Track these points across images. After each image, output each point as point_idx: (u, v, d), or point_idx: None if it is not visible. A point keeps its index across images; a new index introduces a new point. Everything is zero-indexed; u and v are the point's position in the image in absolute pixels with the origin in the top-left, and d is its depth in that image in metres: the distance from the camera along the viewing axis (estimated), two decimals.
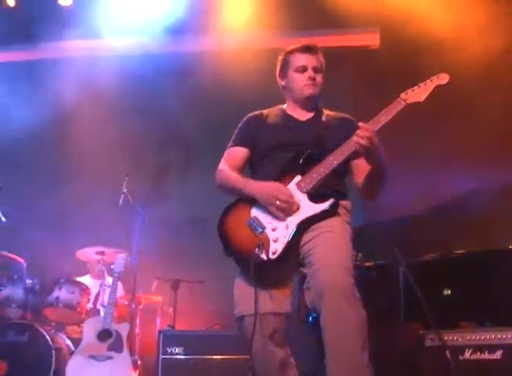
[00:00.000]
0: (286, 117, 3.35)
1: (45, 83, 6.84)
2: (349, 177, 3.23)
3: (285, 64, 3.36)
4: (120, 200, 5.69)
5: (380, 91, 5.39)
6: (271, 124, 3.33)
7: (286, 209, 2.96)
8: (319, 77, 3.29)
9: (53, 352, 5.03)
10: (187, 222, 7.11)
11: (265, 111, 3.42)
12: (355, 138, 2.86)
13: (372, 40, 6.64)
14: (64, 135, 7.03)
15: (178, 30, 6.82)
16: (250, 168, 3.38)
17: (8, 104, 6.82)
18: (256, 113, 3.43)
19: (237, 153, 3.34)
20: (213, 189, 6.31)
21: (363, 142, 2.82)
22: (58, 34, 6.87)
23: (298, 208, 2.98)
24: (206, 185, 6.56)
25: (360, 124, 2.90)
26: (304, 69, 3.27)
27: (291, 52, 3.35)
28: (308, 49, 3.30)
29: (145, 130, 6.89)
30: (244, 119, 3.43)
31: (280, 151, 3.20)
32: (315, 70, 3.28)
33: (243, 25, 6.70)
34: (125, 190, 5.72)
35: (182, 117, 7.08)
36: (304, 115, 3.34)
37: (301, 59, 3.30)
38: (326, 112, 3.37)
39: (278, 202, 2.96)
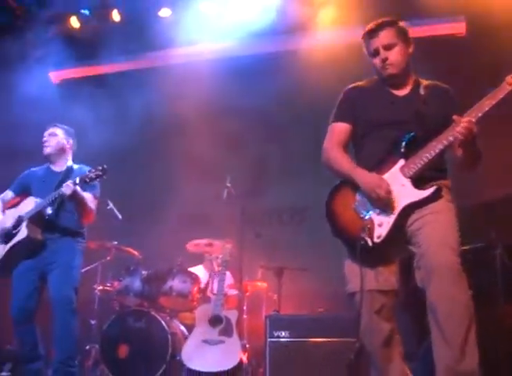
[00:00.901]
0: (385, 92, 3.30)
1: (147, 90, 7.18)
2: (448, 152, 3.20)
3: (366, 51, 3.33)
4: (224, 194, 5.89)
5: (472, 78, 5.40)
6: (370, 99, 3.31)
7: (383, 204, 3.03)
8: (392, 54, 3.20)
9: (169, 336, 5.39)
10: (287, 212, 7.31)
11: (363, 83, 3.41)
12: (457, 129, 2.92)
13: (458, 28, 6.56)
14: (171, 137, 7.35)
15: (270, 31, 6.98)
16: (354, 144, 3.39)
17: (128, 108, 7.22)
18: (354, 85, 3.40)
19: (340, 129, 3.34)
20: (311, 180, 6.48)
21: (463, 137, 2.91)
22: (160, 43, 7.24)
23: (395, 202, 3.02)
24: (304, 176, 6.79)
25: (455, 118, 2.95)
26: (376, 52, 3.23)
27: (363, 39, 3.32)
28: (373, 32, 3.24)
29: (245, 127, 7.08)
30: (343, 93, 3.40)
31: (381, 129, 3.20)
32: (386, 47, 3.20)
33: (331, 20, 6.81)
34: (229, 185, 5.91)
35: (279, 113, 7.25)
36: (401, 90, 3.29)
37: (370, 44, 3.25)
38: (424, 83, 3.31)
39: (375, 196, 3.03)
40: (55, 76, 8.25)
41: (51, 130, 4.91)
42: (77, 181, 4.34)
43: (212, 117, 7.13)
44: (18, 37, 7.41)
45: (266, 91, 6.87)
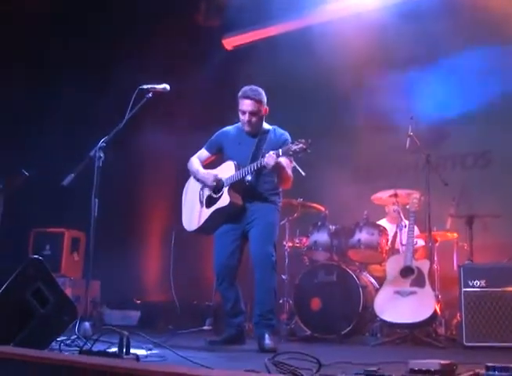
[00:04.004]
0: None
1: (319, 47, 7.15)
2: None
3: None
4: (407, 143, 5.74)
5: None
6: None
7: None
8: None
9: (360, 289, 5.46)
10: (470, 156, 7.05)
11: None
12: None
13: None
14: (349, 89, 7.35)
15: None
16: None
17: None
18: None
19: None
20: (493, 123, 6.19)
21: None
22: None
23: None
24: (485, 119, 6.49)
25: None
26: None
27: None
28: None
29: (421, 75, 6.86)
30: None
31: None
32: None
33: None
34: (411, 133, 5.74)
35: (455, 58, 6.89)
36: None
37: None
38: None
39: None
40: (227, 42, 8.50)
41: (252, 107, 4.62)
42: (280, 153, 4.27)
43: (387, 67, 6.99)
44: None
45: (442, 36, 6.60)
